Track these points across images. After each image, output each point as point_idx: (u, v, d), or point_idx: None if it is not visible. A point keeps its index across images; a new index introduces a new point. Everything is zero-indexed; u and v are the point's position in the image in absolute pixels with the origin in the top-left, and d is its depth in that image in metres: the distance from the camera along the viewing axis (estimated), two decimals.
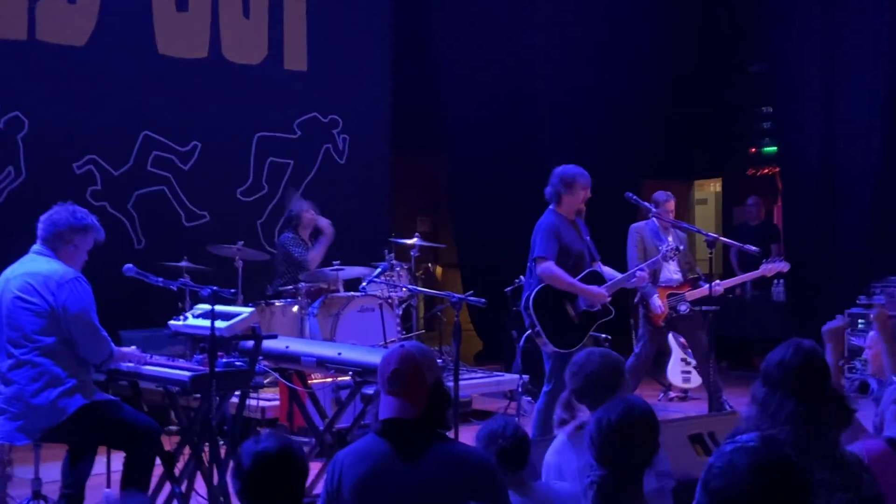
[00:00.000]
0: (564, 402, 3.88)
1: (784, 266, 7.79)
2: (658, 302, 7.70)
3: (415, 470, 2.95)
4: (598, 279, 6.27)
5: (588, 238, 6.38)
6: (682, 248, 7.87)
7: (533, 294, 6.15)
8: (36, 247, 4.81)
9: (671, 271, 7.87)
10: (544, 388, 6.22)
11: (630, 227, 7.92)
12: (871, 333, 4.29)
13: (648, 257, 7.46)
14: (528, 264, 6.31)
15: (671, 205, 7.93)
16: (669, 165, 12.79)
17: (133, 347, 5.14)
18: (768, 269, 7.77)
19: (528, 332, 6.27)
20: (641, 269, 6.65)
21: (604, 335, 8.01)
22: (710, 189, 14.20)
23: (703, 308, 7.27)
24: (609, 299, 6.27)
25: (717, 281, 7.70)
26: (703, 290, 7.53)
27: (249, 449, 2.75)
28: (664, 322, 7.79)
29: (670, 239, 7.73)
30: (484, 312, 8.68)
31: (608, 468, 2.96)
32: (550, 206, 6.31)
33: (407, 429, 3.02)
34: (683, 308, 7.69)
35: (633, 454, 2.97)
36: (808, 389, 2.93)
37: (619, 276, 6.48)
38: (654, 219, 7.82)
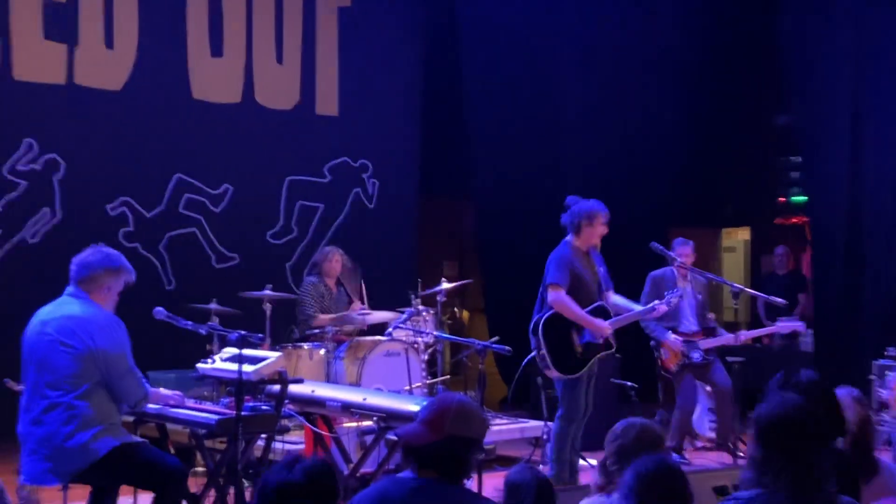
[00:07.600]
0: (601, 466, 3.93)
1: (800, 325, 7.77)
2: (673, 337, 7.66)
3: None
4: (604, 313, 6.41)
5: (602, 269, 6.52)
6: (699, 297, 7.89)
7: (543, 319, 6.29)
8: (70, 289, 4.84)
9: (690, 321, 7.87)
10: (558, 413, 6.44)
11: (648, 275, 7.93)
12: (893, 374, 4.31)
13: None
14: (539, 291, 6.45)
15: (688, 251, 7.88)
16: (698, 213, 12.78)
17: (162, 389, 5.18)
18: (783, 326, 7.78)
19: (533, 353, 6.43)
20: (659, 304, 6.69)
21: (630, 383, 8.03)
22: (738, 237, 14.15)
23: (729, 360, 7.26)
24: (611, 332, 6.39)
25: (742, 331, 7.70)
26: (718, 339, 7.61)
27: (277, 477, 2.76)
28: (676, 367, 7.75)
29: (687, 287, 7.77)
30: (510, 358, 8.68)
31: None
32: (567, 238, 6.46)
33: (421, 457, 3.09)
34: (696, 356, 7.67)
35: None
36: (804, 448, 2.90)
37: (634, 307, 6.58)
38: (673, 267, 7.80)
